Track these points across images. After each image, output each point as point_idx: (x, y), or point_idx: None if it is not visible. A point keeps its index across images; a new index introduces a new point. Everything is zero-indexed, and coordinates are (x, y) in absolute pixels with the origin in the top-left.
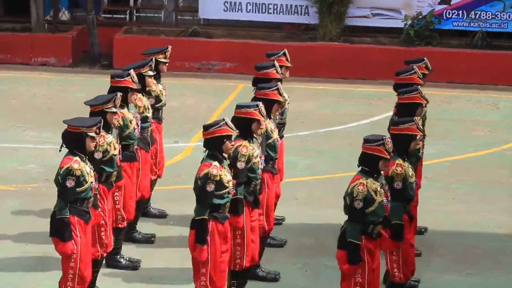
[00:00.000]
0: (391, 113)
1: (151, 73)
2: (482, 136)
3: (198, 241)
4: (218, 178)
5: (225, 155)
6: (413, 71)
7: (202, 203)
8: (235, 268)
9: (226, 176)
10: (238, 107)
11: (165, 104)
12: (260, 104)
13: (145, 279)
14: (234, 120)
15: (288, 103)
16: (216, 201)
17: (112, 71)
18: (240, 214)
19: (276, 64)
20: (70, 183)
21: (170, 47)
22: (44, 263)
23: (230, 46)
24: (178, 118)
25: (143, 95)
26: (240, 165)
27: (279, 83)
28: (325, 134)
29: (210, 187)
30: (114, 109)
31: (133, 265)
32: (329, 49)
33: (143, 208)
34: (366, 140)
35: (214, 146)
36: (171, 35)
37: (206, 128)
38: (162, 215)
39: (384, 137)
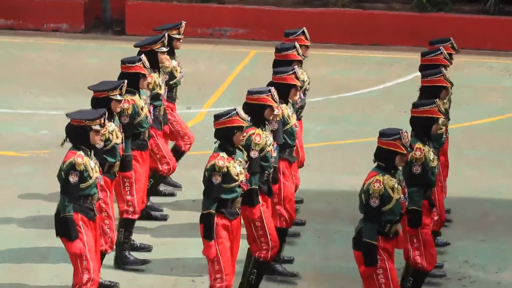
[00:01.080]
0: (403, 79)
1: (164, 49)
2: (495, 102)
3: (205, 237)
4: (225, 170)
5: (240, 147)
6: (439, 51)
7: (208, 196)
8: (260, 258)
9: (236, 168)
10: (250, 93)
11: (180, 82)
12: (273, 89)
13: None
14: (246, 106)
15: (309, 84)
16: (224, 195)
17: (122, 58)
18: (255, 205)
19: (297, 45)
20: (73, 178)
21: (184, 23)
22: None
23: (242, 12)
24: (190, 84)
25: (155, 72)
26: (254, 154)
27: (296, 66)
28: (338, 100)
29: (216, 179)
30: (119, 97)
31: (142, 261)
32: (341, 15)
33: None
34: (382, 134)
35: (224, 137)
36: (184, 1)
37: (216, 118)
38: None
39: (400, 131)
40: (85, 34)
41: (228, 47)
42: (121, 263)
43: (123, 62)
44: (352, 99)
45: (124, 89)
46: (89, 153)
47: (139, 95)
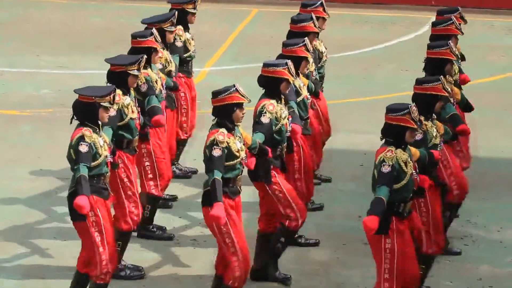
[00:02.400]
0: (405, 38)
1: (172, 28)
2: (497, 61)
3: (214, 199)
4: (225, 145)
5: (238, 124)
6: (451, 21)
7: (211, 170)
8: (289, 227)
9: (236, 144)
10: (266, 65)
11: (194, 55)
12: (289, 62)
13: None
14: (261, 79)
15: (326, 56)
16: (226, 175)
17: (133, 32)
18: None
19: (314, 16)
20: (83, 148)
21: None
22: (57, 188)
23: None
24: None
25: (164, 49)
26: (265, 119)
27: (306, 38)
28: (340, 59)
29: (217, 152)
30: (136, 72)
31: (168, 235)
32: None
33: None
34: (390, 110)
35: (223, 114)
36: None
37: (215, 94)
38: (186, 176)
39: (409, 105)
40: None
41: (229, 6)
42: (146, 237)
43: (134, 36)
44: (355, 58)
45: (142, 64)
46: (97, 130)
47: (151, 69)
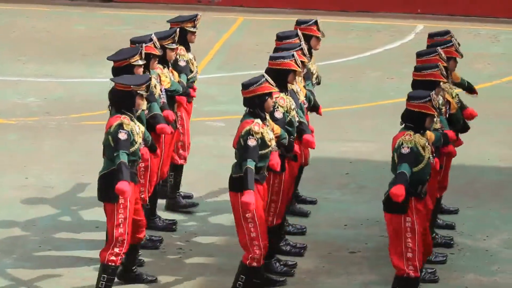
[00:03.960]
0: (391, 46)
1: (174, 45)
2: (483, 69)
3: (246, 187)
4: (259, 136)
5: (267, 114)
6: (436, 53)
7: (245, 159)
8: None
9: (269, 134)
10: (272, 58)
11: (196, 77)
12: (296, 53)
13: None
14: (269, 71)
15: (317, 78)
16: (259, 164)
17: (132, 37)
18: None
19: (300, 33)
20: (123, 136)
21: (199, 15)
22: (44, 196)
23: None
24: None
25: (164, 67)
26: (278, 114)
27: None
28: (325, 67)
29: (253, 142)
30: (140, 62)
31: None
32: None
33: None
34: (412, 97)
35: (256, 104)
36: None
37: (246, 86)
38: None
39: (430, 93)
40: (72, 0)
41: (216, 14)
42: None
43: (133, 42)
44: (340, 66)
45: (143, 54)
46: (133, 117)
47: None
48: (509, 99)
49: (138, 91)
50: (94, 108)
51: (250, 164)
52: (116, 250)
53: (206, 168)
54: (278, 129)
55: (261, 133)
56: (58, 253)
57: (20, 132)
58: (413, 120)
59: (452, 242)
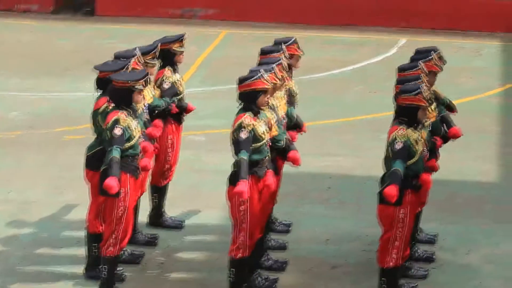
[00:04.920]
0: (374, 60)
1: (154, 61)
2: (465, 83)
3: (239, 177)
4: (251, 128)
5: (262, 108)
6: (418, 67)
7: (238, 151)
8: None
9: (261, 127)
10: (240, 80)
11: (183, 98)
12: (275, 67)
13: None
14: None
15: (297, 101)
16: (254, 157)
17: (116, 52)
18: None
19: (284, 47)
20: (118, 131)
21: (186, 34)
22: (25, 210)
23: None
24: None
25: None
26: (244, 135)
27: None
28: (308, 81)
29: (244, 134)
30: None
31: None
32: None
33: None
34: (403, 91)
35: (249, 99)
36: None
37: (241, 81)
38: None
39: (420, 85)
40: (55, 15)
41: (198, 27)
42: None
43: (118, 57)
44: (323, 80)
45: (130, 68)
46: (131, 112)
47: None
48: (491, 114)
49: (136, 87)
50: (77, 123)
51: (243, 155)
52: (112, 240)
53: (187, 183)
54: (275, 131)
55: (253, 125)
56: (39, 268)
57: (2, 147)
58: (405, 114)
59: (433, 256)
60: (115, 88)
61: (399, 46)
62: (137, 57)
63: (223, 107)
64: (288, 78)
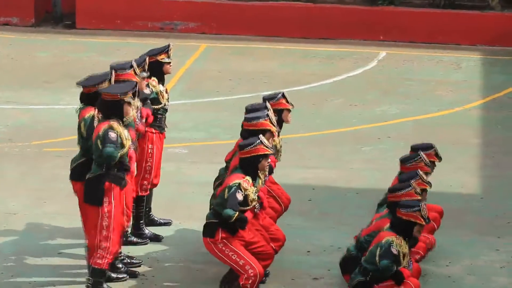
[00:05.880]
0: (353, 73)
1: (144, 74)
2: (445, 96)
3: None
4: (246, 193)
5: (260, 174)
6: (419, 158)
7: (231, 205)
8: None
9: (253, 194)
10: (247, 119)
11: (166, 109)
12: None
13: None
14: (244, 132)
15: (280, 156)
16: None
17: (112, 63)
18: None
19: (271, 114)
20: (112, 135)
21: (171, 45)
22: (6, 222)
23: (193, 5)
24: None
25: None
26: (239, 197)
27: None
28: (288, 94)
29: (239, 196)
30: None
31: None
32: (291, 8)
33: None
34: (402, 206)
35: (250, 165)
36: None
37: (242, 147)
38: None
39: (420, 204)
40: (35, 28)
41: (178, 41)
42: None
43: (114, 69)
44: (302, 93)
45: (113, 80)
46: (121, 123)
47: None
48: (471, 126)
49: (125, 99)
50: (57, 135)
51: (231, 213)
52: (101, 252)
53: (168, 194)
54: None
55: (248, 191)
56: (21, 279)
57: None
58: (402, 228)
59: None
60: (105, 101)
61: (379, 59)
62: (133, 69)
63: (203, 120)
64: (275, 134)
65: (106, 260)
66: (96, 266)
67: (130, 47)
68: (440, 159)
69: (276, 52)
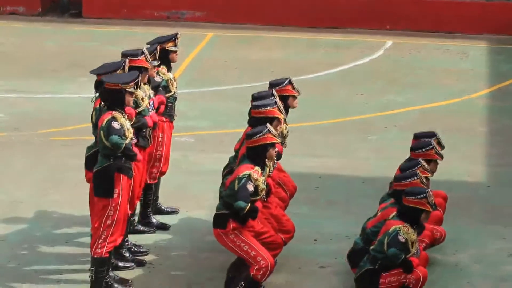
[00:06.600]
0: (360, 62)
1: (155, 63)
2: (452, 85)
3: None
4: (256, 183)
5: (268, 162)
6: (431, 146)
7: (243, 197)
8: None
9: (262, 184)
10: (255, 106)
11: (175, 97)
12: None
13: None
14: (252, 120)
15: (284, 144)
16: None
17: (124, 50)
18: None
19: (278, 102)
20: (116, 125)
21: (179, 34)
22: (13, 211)
23: None
24: None
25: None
26: (250, 188)
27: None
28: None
29: (250, 187)
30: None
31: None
32: None
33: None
34: (409, 193)
35: (258, 153)
36: None
37: (249, 136)
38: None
39: (427, 191)
40: (42, 17)
41: (185, 30)
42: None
43: (125, 55)
44: (309, 82)
45: (126, 68)
46: (124, 114)
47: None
48: (477, 115)
49: (127, 89)
50: (63, 124)
51: (243, 205)
52: (101, 242)
53: (175, 183)
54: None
55: (257, 181)
56: (27, 268)
57: None
58: (409, 215)
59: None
60: (107, 89)
61: (386, 48)
62: (145, 56)
63: (210, 109)
64: (281, 121)
65: (105, 249)
66: (96, 256)
67: (137, 36)
68: (442, 147)
69: (282, 41)
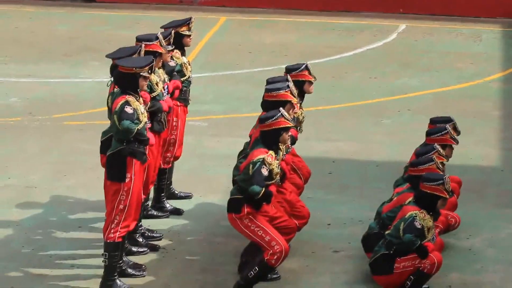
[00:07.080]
0: (373, 46)
1: (169, 47)
2: (465, 68)
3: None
4: (270, 167)
5: (281, 146)
6: (446, 131)
7: (258, 182)
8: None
9: (276, 168)
10: (268, 90)
11: (190, 82)
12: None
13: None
14: (265, 103)
15: (300, 129)
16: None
17: (138, 35)
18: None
19: (291, 86)
20: (129, 110)
21: (193, 18)
22: (26, 196)
23: None
24: None
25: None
26: (265, 172)
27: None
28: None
29: (265, 172)
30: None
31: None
32: None
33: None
34: (426, 179)
35: (271, 138)
36: None
37: (263, 120)
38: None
39: (444, 177)
40: (54, 1)
41: (198, 14)
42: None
43: (140, 40)
44: (322, 66)
45: (142, 53)
46: (138, 97)
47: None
48: (491, 98)
49: (141, 73)
50: (77, 108)
51: (257, 190)
52: (114, 226)
53: (188, 167)
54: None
55: (272, 165)
56: (41, 253)
57: (2, 132)
58: (426, 202)
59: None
60: (121, 73)
61: (399, 32)
62: (159, 41)
63: (223, 93)
64: (297, 105)
65: (118, 234)
66: (109, 240)
67: (149, 20)
68: (458, 132)
69: (295, 25)
